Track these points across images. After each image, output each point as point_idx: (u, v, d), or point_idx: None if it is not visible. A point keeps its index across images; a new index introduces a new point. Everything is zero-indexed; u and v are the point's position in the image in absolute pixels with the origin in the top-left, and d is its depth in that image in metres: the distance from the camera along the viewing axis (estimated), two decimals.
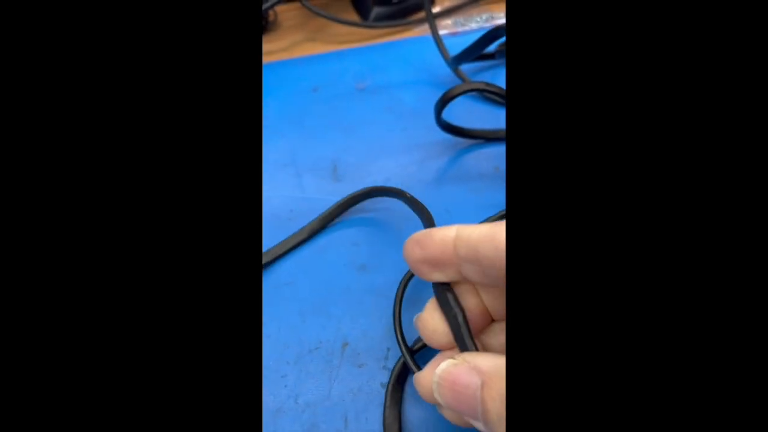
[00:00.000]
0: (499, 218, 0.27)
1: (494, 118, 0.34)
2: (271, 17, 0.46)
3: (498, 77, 0.37)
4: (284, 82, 0.39)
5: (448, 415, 0.17)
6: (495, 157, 0.31)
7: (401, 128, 0.34)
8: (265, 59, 0.41)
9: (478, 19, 0.44)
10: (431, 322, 0.18)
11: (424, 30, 0.43)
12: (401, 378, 0.21)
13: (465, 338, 0.16)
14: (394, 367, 0.21)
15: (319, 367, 0.22)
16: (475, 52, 0.34)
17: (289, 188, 0.30)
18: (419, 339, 0.21)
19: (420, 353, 0.21)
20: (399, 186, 0.28)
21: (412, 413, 0.21)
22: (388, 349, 0.23)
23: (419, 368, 0.18)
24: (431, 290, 0.19)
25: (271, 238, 0.27)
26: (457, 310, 0.17)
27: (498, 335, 0.18)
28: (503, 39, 0.33)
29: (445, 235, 0.17)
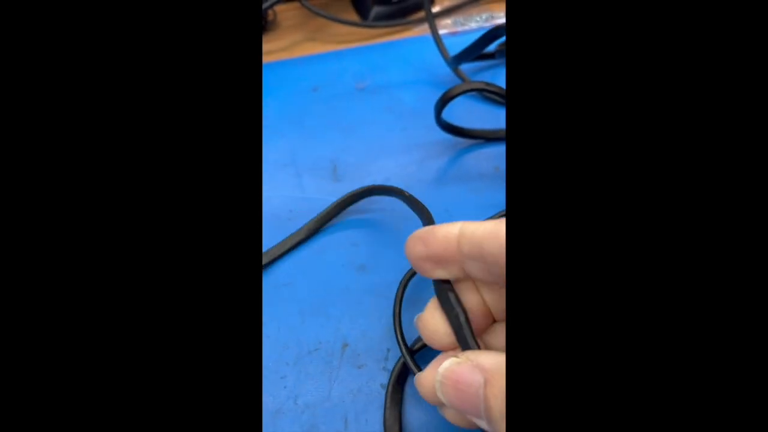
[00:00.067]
0: (499, 218, 0.26)
1: (494, 118, 0.34)
2: (270, 17, 0.45)
3: (498, 77, 0.37)
4: (284, 82, 0.38)
5: (449, 415, 0.17)
6: (495, 157, 0.31)
7: (401, 128, 0.34)
8: (265, 59, 0.41)
9: (478, 19, 0.44)
10: (432, 323, 0.18)
11: (423, 30, 0.43)
12: (401, 379, 0.21)
13: (467, 338, 0.16)
14: (394, 368, 0.21)
15: (319, 368, 0.22)
16: (475, 51, 0.34)
17: (289, 188, 0.30)
18: (419, 339, 0.21)
19: (420, 354, 0.21)
20: (399, 185, 0.27)
21: (412, 414, 0.21)
22: (388, 350, 0.23)
23: (419, 369, 0.18)
24: (431, 290, 0.18)
25: (270, 238, 0.27)
26: (459, 310, 0.17)
27: (500, 335, 0.18)
28: (503, 38, 0.33)
29: (449, 231, 0.16)
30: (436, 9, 0.45)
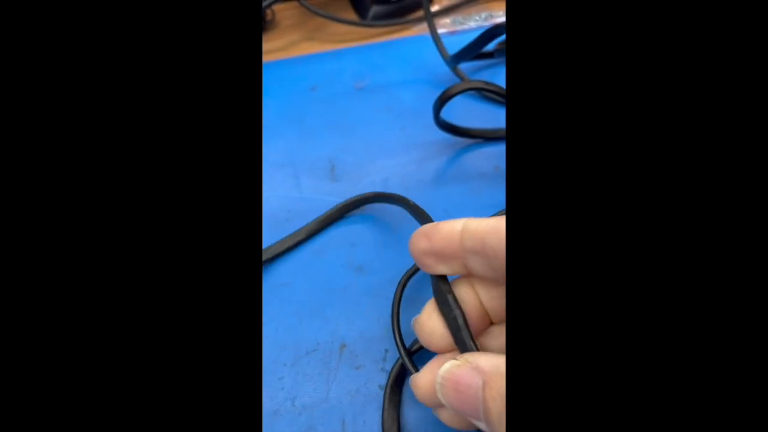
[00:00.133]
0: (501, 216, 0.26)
1: (493, 117, 0.33)
2: (269, 16, 0.45)
3: (497, 76, 0.37)
4: (282, 81, 0.38)
5: (443, 417, 0.17)
6: (494, 156, 0.31)
7: (400, 127, 0.33)
8: (263, 59, 0.41)
9: (477, 18, 0.44)
10: (429, 324, 0.18)
11: (422, 29, 0.42)
12: (399, 380, 0.21)
13: (465, 339, 0.16)
14: (392, 369, 0.21)
15: (317, 369, 0.22)
16: (474, 50, 0.33)
17: (287, 188, 0.30)
18: (417, 340, 0.21)
19: (418, 355, 0.21)
20: (397, 186, 0.27)
21: (410, 415, 0.20)
22: (386, 351, 0.22)
23: (417, 370, 0.18)
24: (430, 291, 0.18)
25: (268, 238, 0.27)
26: (457, 311, 0.17)
27: (497, 338, 0.18)
28: (502, 37, 0.32)
29: (452, 227, 0.17)
30: (434, 8, 0.45)
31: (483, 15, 0.44)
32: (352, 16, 0.45)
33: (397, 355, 0.22)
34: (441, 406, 0.17)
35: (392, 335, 0.21)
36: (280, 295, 0.25)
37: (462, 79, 0.36)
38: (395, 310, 0.22)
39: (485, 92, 0.34)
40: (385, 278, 0.25)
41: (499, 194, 0.29)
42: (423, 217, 0.22)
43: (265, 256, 0.26)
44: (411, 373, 0.18)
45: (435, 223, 0.18)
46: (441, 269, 0.18)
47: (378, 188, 0.29)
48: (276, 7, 0.46)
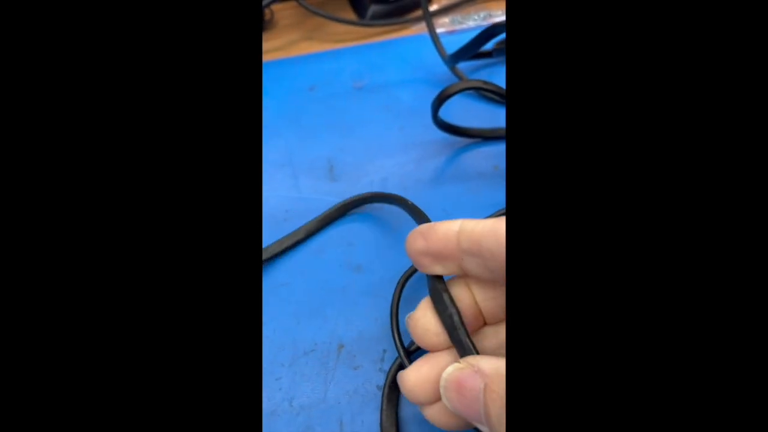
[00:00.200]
0: (498, 216, 0.26)
1: (492, 117, 0.33)
2: (267, 16, 0.45)
3: (495, 75, 0.37)
4: (281, 81, 0.38)
5: (429, 415, 0.17)
6: (493, 155, 0.31)
7: (398, 127, 0.33)
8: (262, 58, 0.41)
9: (476, 17, 0.44)
10: (423, 321, 0.18)
11: (421, 28, 0.42)
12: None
13: (462, 338, 0.16)
14: (390, 369, 0.21)
15: (315, 370, 0.22)
16: (473, 50, 0.33)
17: (286, 188, 0.30)
18: None
19: (416, 354, 0.21)
20: (396, 185, 0.27)
21: (408, 416, 0.20)
22: (384, 351, 0.22)
23: None
24: (428, 292, 0.18)
25: (267, 238, 0.27)
26: (453, 310, 0.17)
27: (490, 339, 0.18)
28: (500, 37, 0.32)
29: (449, 228, 0.17)
30: (433, 7, 0.44)
31: (481, 14, 0.44)
32: (351, 15, 0.45)
33: (395, 356, 0.22)
34: (427, 403, 0.17)
35: (390, 335, 0.21)
36: (279, 295, 0.25)
37: (460, 78, 0.36)
38: (394, 310, 0.22)
39: (484, 92, 0.34)
40: (383, 278, 0.25)
41: (497, 193, 0.28)
42: (421, 218, 0.22)
43: (263, 256, 0.26)
44: None
45: (432, 223, 0.18)
46: (437, 269, 0.18)
47: (376, 188, 0.29)
48: (274, 7, 0.46)
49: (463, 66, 0.37)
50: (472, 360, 0.15)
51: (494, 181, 0.29)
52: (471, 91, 0.35)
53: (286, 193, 0.30)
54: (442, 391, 0.16)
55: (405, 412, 0.21)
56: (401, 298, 0.23)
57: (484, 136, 0.32)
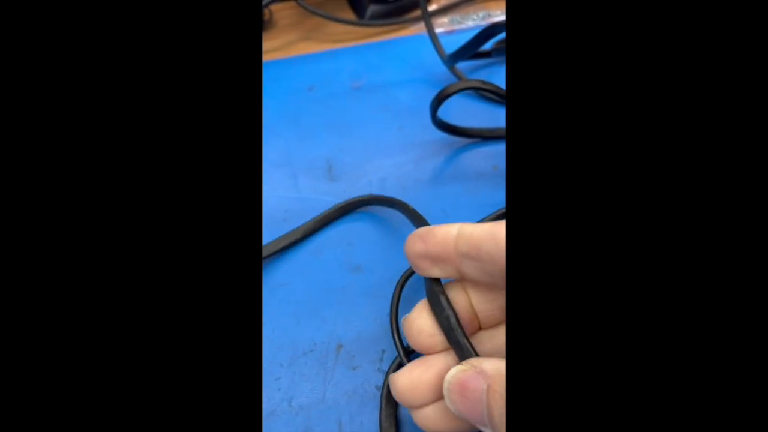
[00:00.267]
0: (497, 217, 0.26)
1: (491, 117, 0.33)
2: (266, 16, 0.45)
3: (494, 75, 0.37)
4: (279, 81, 0.38)
5: (418, 419, 0.17)
6: (492, 155, 0.31)
7: (397, 127, 0.33)
8: None
9: (475, 17, 0.44)
10: (418, 322, 0.18)
11: (420, 28, 0.42)
12: None
13: (459, 339, 0.16)
14: (389, 370, 0.21)
15: (314, 370, 0.22)
16: (472, 50, 0.33)
17: (284, 188, 0.30)
18: None
19: (415, 355, 0.21)
20: (395, 185, 0.27)
21: (407, 416, 0.20)
22: (383, 351, 0.22)
23: None
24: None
25: (266, 238, 0.27)
26: (449, 312, 0.17)
27: (485, 343, 0.18)
28: (499, 36, 0.32)
29: (448, 231, 0.17)
30: (432, 7, 0.44)
31: (480, 14, 0.44)
32: (350, 15, 0.45)
33: (394, 356, 0.22)
34: (418, 406, 0.17)
35: (389, 336, 0.21)
36: (278, 295, 0.25)
37: (459, 78, 0.36)
38: (393, 311, 0.22)
39: (483, 91, 0.34)
40: (383, 278, 0.25)
41: (496, 194, 0.28)
42: (419, 221, 0.22)
43: (263, 253, 0.26)
44: None
45: (431, 226, 0.18)
46: (435, 272, 0.18)
47: (375, 188, 0.29)
48: (273, 7, 0.46)
49: (462, 66, 0.37)
50: (475, 362, 0.15)
51: (493, 181, 0.29)
52: (470, 91, 0.35)
53: (285, 193, 0.30)
54: (445, 393, 0.16)
55: (404, 412, 0.21)
56: (400, 299, 0.23)
57: (483, 136, 0.32)
